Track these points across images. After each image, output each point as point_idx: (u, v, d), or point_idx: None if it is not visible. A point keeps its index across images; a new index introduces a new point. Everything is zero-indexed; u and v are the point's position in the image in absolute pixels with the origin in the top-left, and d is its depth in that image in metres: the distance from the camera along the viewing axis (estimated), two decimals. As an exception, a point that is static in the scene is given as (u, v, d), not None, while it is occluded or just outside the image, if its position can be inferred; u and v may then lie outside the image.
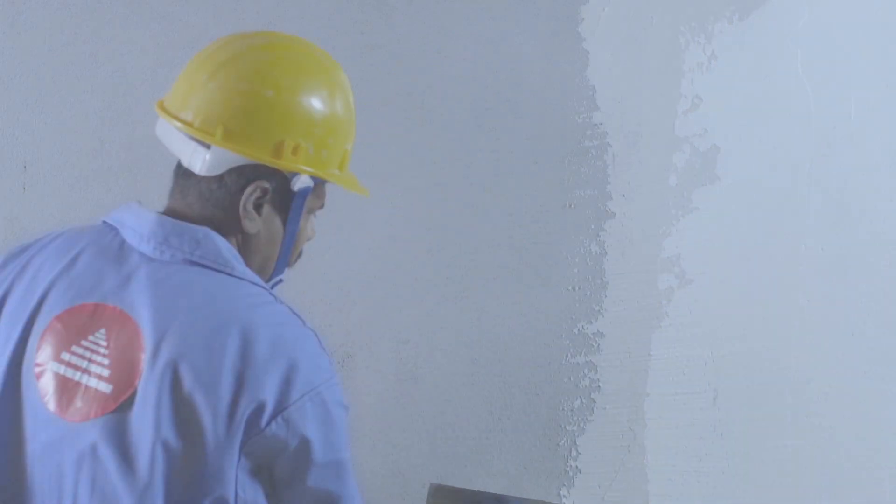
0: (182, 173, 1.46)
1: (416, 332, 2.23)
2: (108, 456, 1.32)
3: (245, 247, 1.47)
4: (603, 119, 2.22)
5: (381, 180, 2.23)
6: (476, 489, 2.09)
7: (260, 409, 1.33)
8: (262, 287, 1.45)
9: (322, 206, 1.57)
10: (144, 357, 1.33)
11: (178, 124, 1.44)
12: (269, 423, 1.33)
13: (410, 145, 2.24)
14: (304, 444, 1.35)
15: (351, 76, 2.24)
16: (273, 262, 1.51)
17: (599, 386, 2.24)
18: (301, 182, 1.46)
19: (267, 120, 1.43)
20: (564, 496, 2.26)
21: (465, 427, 2.25)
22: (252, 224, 1.45)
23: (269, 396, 1.33)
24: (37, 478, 1.37)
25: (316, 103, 1.48)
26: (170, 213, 1.45)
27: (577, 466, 2.25)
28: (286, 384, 1.34)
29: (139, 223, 1.43)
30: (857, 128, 2.19)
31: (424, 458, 2.23)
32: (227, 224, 1.44)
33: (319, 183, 1.51)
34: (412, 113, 2.22)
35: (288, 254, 1.52)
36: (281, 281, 1.55)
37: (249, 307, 1.39)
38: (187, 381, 1.32)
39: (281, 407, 1.34)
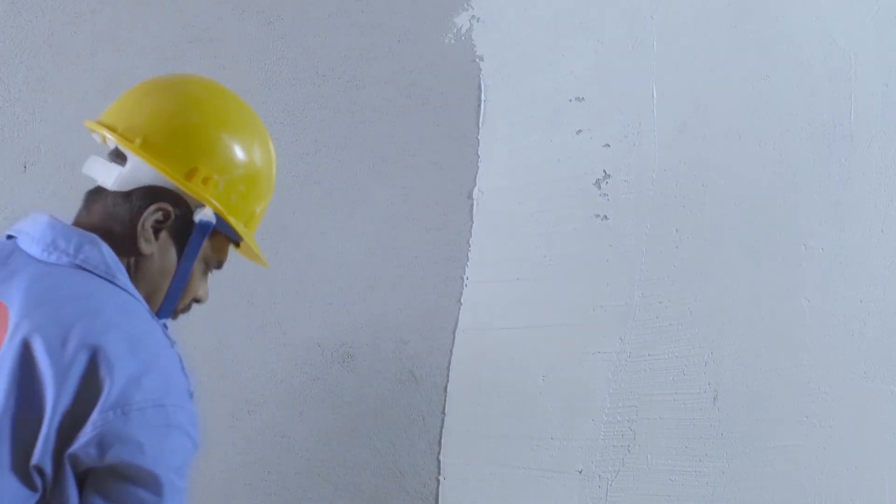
0: (92, 192, 1.50)
1: (416, 332, 2.23)
2: None
3: (136, 269, 1.48)
4: (602, 119, 2.22)
5: (381, 174, 2.24)
6: None
7: (90, 401, 1.30)
8: (141, 302, 1.44)
9: (219, 265, 1.57)
10: (6, 335, 1.33)
11: (102, 130, 1.48)
12: (104, 414, 1.30)
13: (412, 147, 2.24)
14: (135, 447, 1.31)
15: (351, 55, 2.26)
16: (160, 296, 1.51)
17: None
18: (204, 215, 1.47)
19: (185, 142, 1.47)
20: (564, 496, 2.26)
21: (465, 426, 2.25)
22: (147, 245, 1.46)
23: (114, 389, 1.30)
24: None
25: (237, 144, 1.51)
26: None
27: (577, 466, 2.25)
28: (133, 384, 1.32)
29: (33, 227, 1.47)
30: (856, 128, 2.19)
31: (424, 458, 2.24)
32: (123, 242, 1.46)
33: (221, 234, 1.52)
34: (413, 91, 2.22)
35: (177, 295, 1.52)
36: (165, 326, 1.52)
37: (119, 310, 1.39)
38: (38, 355, 1.31)
39: (121, 403, 1.30)
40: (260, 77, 2.24)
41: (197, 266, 1.52)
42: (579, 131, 2.24)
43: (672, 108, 2.21)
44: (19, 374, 1.30)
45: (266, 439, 2.23)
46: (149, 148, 1.45)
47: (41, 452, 1.27)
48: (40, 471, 1.28)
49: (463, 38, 2.24)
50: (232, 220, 1.50)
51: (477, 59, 2.25)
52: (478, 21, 2.24)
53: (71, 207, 2.21)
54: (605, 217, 2.23)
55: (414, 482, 2.23)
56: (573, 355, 2.24)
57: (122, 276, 1.43)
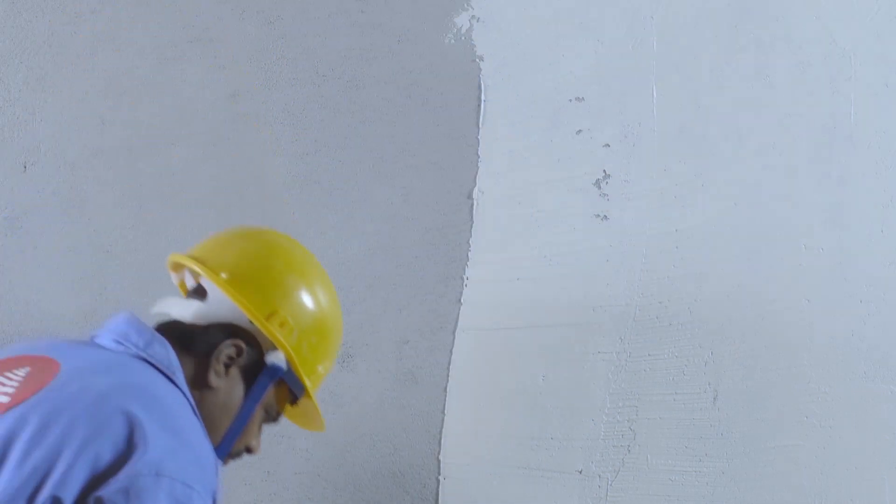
0: (165, 324, 1.53)
1: (416, 332, 2.23)
2: None
3: (201, 401, 1.50)
4: (602, 119, 2.22)
5: (381, 174, 2.24)
6: None
7: (120, 453, 1.30)
8: (193, 408, 1.45)
9: (276, 417, 1.61)
10: (51, 381, 1.35)
11: (190, 262, 1.54)
12: (137, 467, 1.29)
13: (411, 143, 2.24)
14: None
15: (351, 55, 2.27)
16: (219, 435, 1.52)
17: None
18: (276, 358, 1.52)
19: (269, 284, 1.54)
20: (564, 496, 2.26)
21: (465, 426, 2.25)
22: (216, 379, 1.50)
23: (149, 451, 1.30)
24: None
25: (313, 297, 1.58)
26: None
27: (577, 466, 2.25)
28: (170, 454, 1.31)
29: (111, 322, 1.51)
30: (857, 128, 2.19)
31: (424, 458, 2.24)
32: (194, 373, 1.49)
33: (285, 385, 1.55)
34: (413, 91, 2.22)
35: (235, 434, 1.53)
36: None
37: (168, 398, 1.41)
38: (76, 408, 1.32)
39: (156, 465, 1.30)
40: (260, 77, 2.24)
41: (258, 412, 1.55)
42: (579, 131, 2.24)
43: (672, 108, 2.21)
44: (52, 418, 1.30)
45: (266, 439, 2.22)
46: (234, 283, 1.51)
47: (56, 486, 1.26)
48: (57, 502, 1.28)
49: (463, 38, 2.24)
50: (300, 371, 1.54)
51: (477, 59, 2.25)
52: (478, 21, 2.25)
53: (71, 207, 2.21)
54: (605, 217, 2.23)
55: (414, 482, 2.23)
56: (573, 355, 2.24)
57: (181, 378, 1.46)
